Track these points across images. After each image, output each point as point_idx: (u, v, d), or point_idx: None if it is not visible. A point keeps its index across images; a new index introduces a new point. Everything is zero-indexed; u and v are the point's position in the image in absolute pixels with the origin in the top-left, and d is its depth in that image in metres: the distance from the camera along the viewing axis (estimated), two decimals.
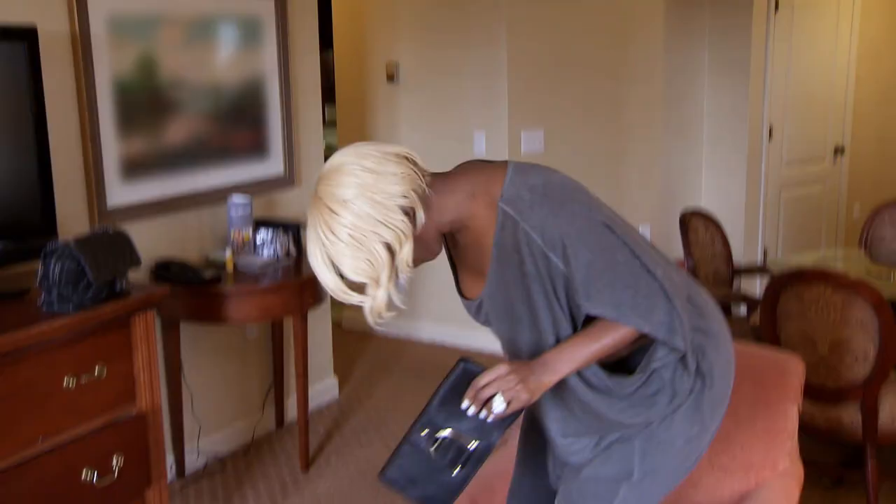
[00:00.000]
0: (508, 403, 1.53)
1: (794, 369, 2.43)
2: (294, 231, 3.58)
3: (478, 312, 1.71)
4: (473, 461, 1.59)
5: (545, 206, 1.54)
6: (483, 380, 1.54)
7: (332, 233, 1.48)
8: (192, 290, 3.22)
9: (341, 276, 1.51)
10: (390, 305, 1.53)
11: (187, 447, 3.57)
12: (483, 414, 1.54)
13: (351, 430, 4.01)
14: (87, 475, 2.45)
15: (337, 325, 4.78)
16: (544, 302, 1.58)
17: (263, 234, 3.47)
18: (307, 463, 3.61)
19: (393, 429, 4.03)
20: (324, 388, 4.29)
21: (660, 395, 1.67)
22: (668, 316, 1.56)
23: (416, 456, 1.59)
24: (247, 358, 3.84)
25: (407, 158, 1.54)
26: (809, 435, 3.01)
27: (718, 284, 3.93)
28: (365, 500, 3.38)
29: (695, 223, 3.92)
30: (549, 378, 1.56)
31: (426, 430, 1.58)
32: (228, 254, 3.37)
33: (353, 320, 5.40)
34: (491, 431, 1.57)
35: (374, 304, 1.52)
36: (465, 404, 1.55)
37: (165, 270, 3.29)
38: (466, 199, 1.58)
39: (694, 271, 3.82)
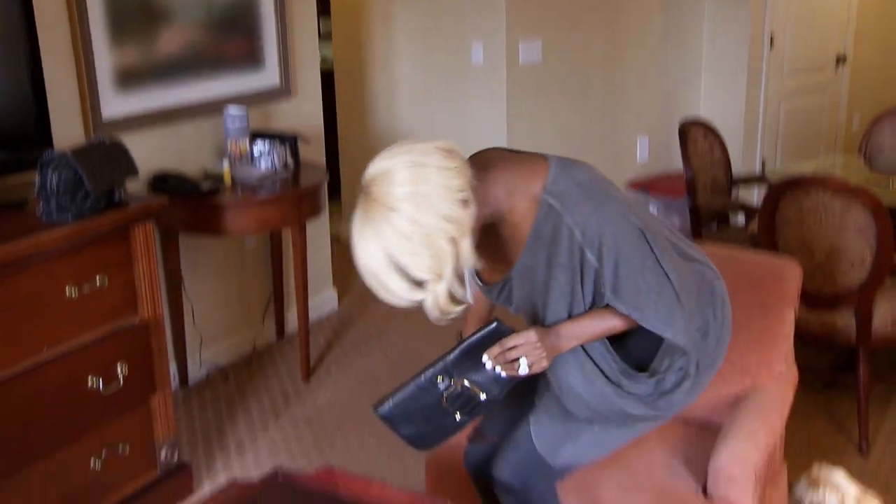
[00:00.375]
0: (530, 367, 1.65)
1: (790, 274, 2.44)
2: (291, 142, 3.55)
3: (499, 295, 1.76)
4: (477, 411, 1.71)
5: (590, 204, 1.61)
6: (512, 341, 1.64)
7: (396, 231, 1.47)
8: (191, 201, 3.21)
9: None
10: (456, 300, 1.55)
11: (189, 358, 3.61)
12: (498, 370, 1.64)
13: (350, 342, 4.05)
14: (92, 383, 2.48)
15: (335, 239, 4.78)
16: (568, 290, 1.67)
17: (260, 146, 3.43)
18: (308, 373, 3.66)
19: (392, 339, 4.08)
20: (323, 300, 4.32)
21: (661, 400, 1.84)
22: (682, 321, 1.71)
23: (422, 398, 1.68)
24: (246, 270, 3.85)
25: (453, 151, 1.54)
26: (803, 340, 3.04)
27: (717, 193, 3.93)
28: (365, 409, 3.43)
29: (693, 133, 3.89)
30: (563, 346, 1.69)
31: (441, 377, 1.67)
32: (226, 165, 3.35)
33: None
34: (495, 387, 1.68)
35: (435, 298, 1.53)
36: (485, 359, 1.64)
37: (163, 183, 3.27)
38: (506, 193, 1.63)
39: (693, 181, 3.80)
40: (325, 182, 3.63)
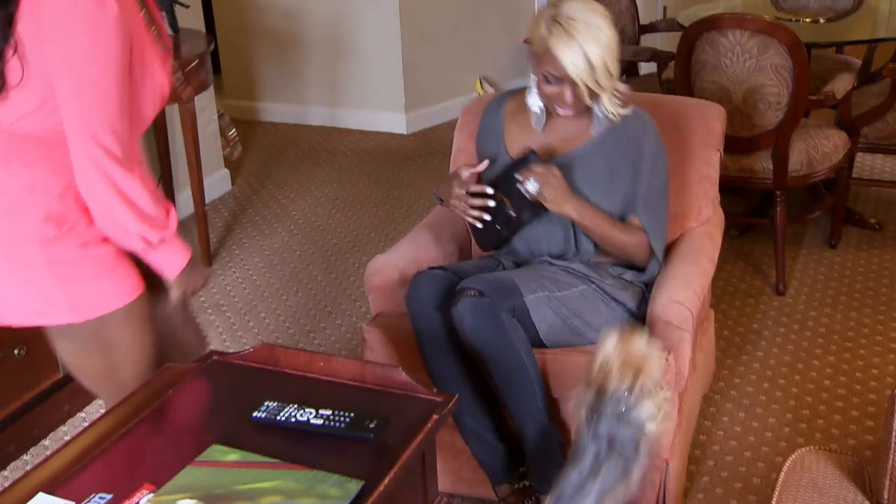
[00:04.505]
0: (539, 191, 2.05)
1: (714, 115, 2.50)
2: (167, 7, 3.36)
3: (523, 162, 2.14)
4: (512, 227, 2.16)
5: (659, 139, 2.20)
6: (539, 167, 2.06)
7: (603, 32, 2.00)
8: None
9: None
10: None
11: None
12: (521, 181, 2.07)
13: (250, 222, 3.99)
14: None
15: (219, 116, 4.63)
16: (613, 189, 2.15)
17: None
18: (209, 257, 3.60)
19: (294, 215, 4.03)
20: (215, 180, 4.22)
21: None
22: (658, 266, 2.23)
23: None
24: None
25: None
26: (721, 187, 3.14)
27: (625, 43, 3.94)
28: (276, 287, 3.42)
29: None
30: (567, 209, 2.07)
31: (489, 188, 2.12)
32: None
33: (236, 108, 5.23)
34: (522, 206, 2.12)
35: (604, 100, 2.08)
36: (518, 175, 2.09)
37: None
38: None
39: None
40: (210, 51, 3.46)
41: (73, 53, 1.49)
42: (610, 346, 1.69)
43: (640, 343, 1.73)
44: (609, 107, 2.10)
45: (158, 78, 1.64)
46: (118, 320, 1.68)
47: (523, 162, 2.12)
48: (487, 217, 2.13)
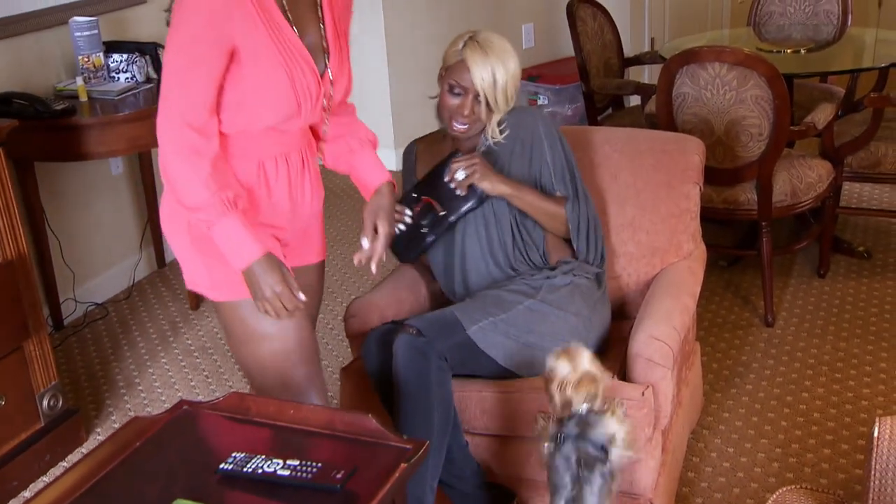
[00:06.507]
0: (467, 175, 2.15)
1: (693, 149, 2.50)
2: (152, 52, 3.37)
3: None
4: (440, 227, 2.23)
5: (551, 124, 2.29)
6: (461, 158, 2.18)
7: (513, 60, 2.15)
8: (44, 124, 3.01)
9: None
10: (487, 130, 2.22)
11: (62, 298, 3.46)
12: (447, 179, 2.18)
13: None
14: None
15: None
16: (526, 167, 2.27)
17: (117, 59, 3.25)
18: (197, 300, 3.57)
19: None
20: None
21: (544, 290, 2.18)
22: (585, 240, 2.27)
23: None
24: (115, 196, 3.69)
25: None
26: (706, 219, 3.14)
27: (610, 76, 3.95)
28: None
29: (582, 13, 3.88)
30: (501, 186, 2.17)
31: (414, 195, 2.24)
32: (80, 82, 3.16)
33: None
34: (457, 207, 2.21)
35: (486, 121, 2.18)
36: (446, 176, 2.19)
37: (6, 105, 3.06)
38: None
39: (584, 65, 3.81)
40: None
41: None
42: (560, 367, 1.69)
43: (587, 360, 1.74)
44: (491, 131, 2.21)
45: (284, 80, 1.74)
46: (255, 310, 1.78)
47: (446, 162, 2.22)
48: (409, 219, 2.17)
